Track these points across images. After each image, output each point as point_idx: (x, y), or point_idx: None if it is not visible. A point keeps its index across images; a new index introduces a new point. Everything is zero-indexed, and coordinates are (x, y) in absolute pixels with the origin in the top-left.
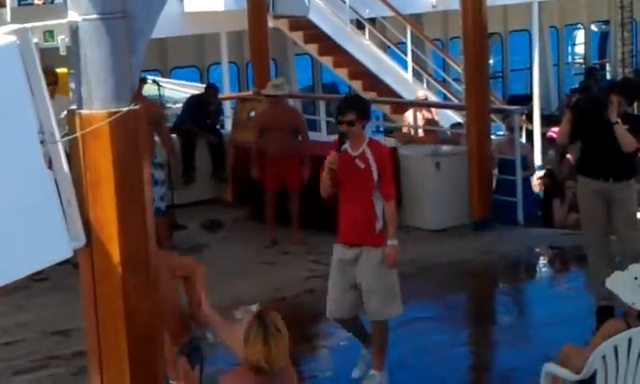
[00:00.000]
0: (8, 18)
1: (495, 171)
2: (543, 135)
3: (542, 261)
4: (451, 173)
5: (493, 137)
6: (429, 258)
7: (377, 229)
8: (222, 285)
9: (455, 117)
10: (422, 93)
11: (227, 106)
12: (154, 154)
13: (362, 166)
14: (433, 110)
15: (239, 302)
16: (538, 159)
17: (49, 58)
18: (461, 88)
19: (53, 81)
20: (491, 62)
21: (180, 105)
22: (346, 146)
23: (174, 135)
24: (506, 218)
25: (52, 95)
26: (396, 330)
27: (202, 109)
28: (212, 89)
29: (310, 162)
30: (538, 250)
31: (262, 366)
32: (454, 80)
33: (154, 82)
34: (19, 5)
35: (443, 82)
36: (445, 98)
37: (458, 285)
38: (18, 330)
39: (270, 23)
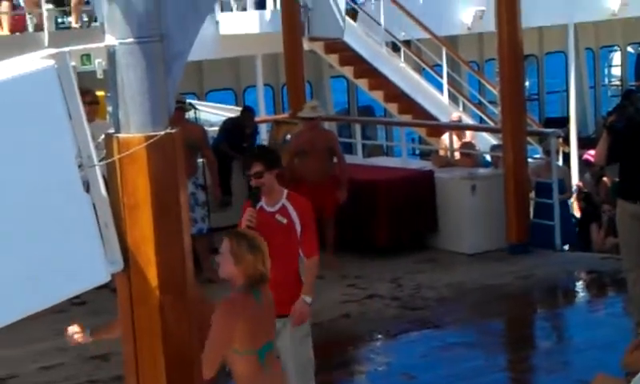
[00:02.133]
0: (46, 42)
1: (532, 194)
2: (580, 158)
3: (580, 285)
4: (487, 196)
5: (529, 160)
6: (465, 282)
7: None
8: None
9: (492, 139)
10: (455, 114)
11: (263, 129)
12: (195, 175)
13: (285, 222)
14: (469, 132)
15: None
16: (575, 182)
17: (86, 82)
18: (497, 110)
19: (94, 101)
20: (527, 84)
21: (216, 128)
22: (262, 202)
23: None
24: (544, 241)
25: (93, 115)
26: (432, 354)
27: (238, 132)
28: (248, 112)
29: (347, 185)
30: (575, 274)
31: (263, 273)
32: (490, 102)
33: (190, 105)
34: (57, 29)
35: (479, 105)
36: (481, 120)
37: (495, 309)
38: (57, 354)
39: (306, 46)
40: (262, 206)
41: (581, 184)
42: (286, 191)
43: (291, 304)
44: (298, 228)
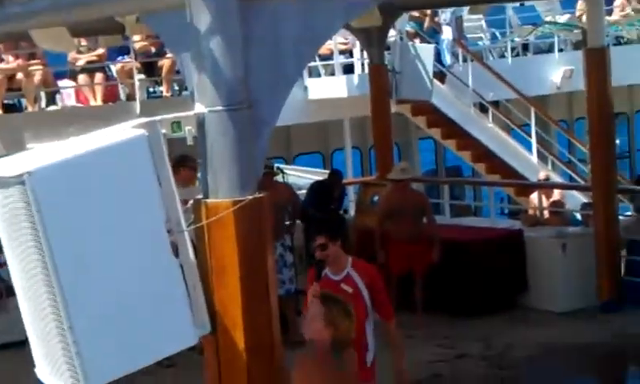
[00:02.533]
0: (137, 111)
1: (623, 252)
2: None
3: None
4: (578, 254)
5: (621, 218)
6: (558, 341)
7: (368, 361)
8: None
9: (582, 198)
10: (542, 174)
11: (351, 191)
12: (283, 237)
13: (350, 291)
14: (558, 191)
15: None
16: None
17: (176, 149)
18: (587, 169)
19: (194, 167)
20: (617, 142)
21: (304, 191)
22: (326, 271)
23: (298, 221)
24: (635, 299)
25: (192, 181)
26: None
27: (326, 194)
28: (335, 175)
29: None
30: None
31: (352, 338)
32: (580, 161)
33: (279, 169)
34: (148, 98)
35: (569, 163)
36: (570, 179)
37: (587, 368)
38: None
39: (393, 108)
40: (326, 274)
41: None
42: (350, 259)
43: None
44: (365, 295)
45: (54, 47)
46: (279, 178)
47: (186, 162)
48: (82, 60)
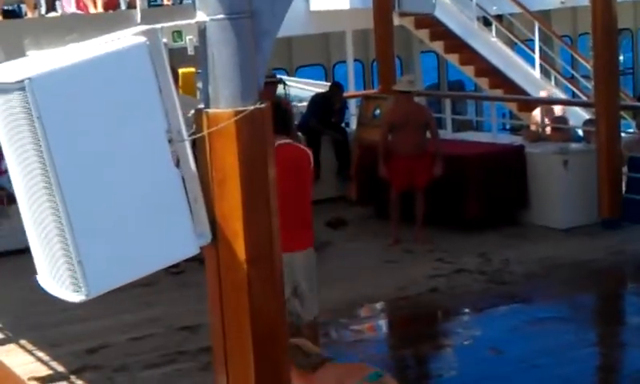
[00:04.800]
0: (138, 19)
1: (625, 169)
2: None
3: None
4: (580, 171)
5: (622, 134)
6: (557, 257)
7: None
8: (346, 283)
9: (585, 114)
10: (544, 92)
11: (352, 104)
12: None
13: None
14: (560, 107)
15: (363, 300)
16: None
17: (177, 58)
18: (590, 85)
19: (174, 79)
20: (621, 58)
21: (305, 103)
22: None
23: (299, 133)
24: (636, 216)
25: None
26: (521, 329)
27: (327, 107)
28: (337, 87)
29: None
30: None
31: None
32: (583, 77)
33: (280, 80)
34: (149, 6)
35: (572, 79)
36: (573, 95)
37: (587, 284)
38: (147, 325)
39: (396, 21)
40: None
41: None
42: None
43: None
44: None
45: None
46: (281, 89)
47: None
48: None
